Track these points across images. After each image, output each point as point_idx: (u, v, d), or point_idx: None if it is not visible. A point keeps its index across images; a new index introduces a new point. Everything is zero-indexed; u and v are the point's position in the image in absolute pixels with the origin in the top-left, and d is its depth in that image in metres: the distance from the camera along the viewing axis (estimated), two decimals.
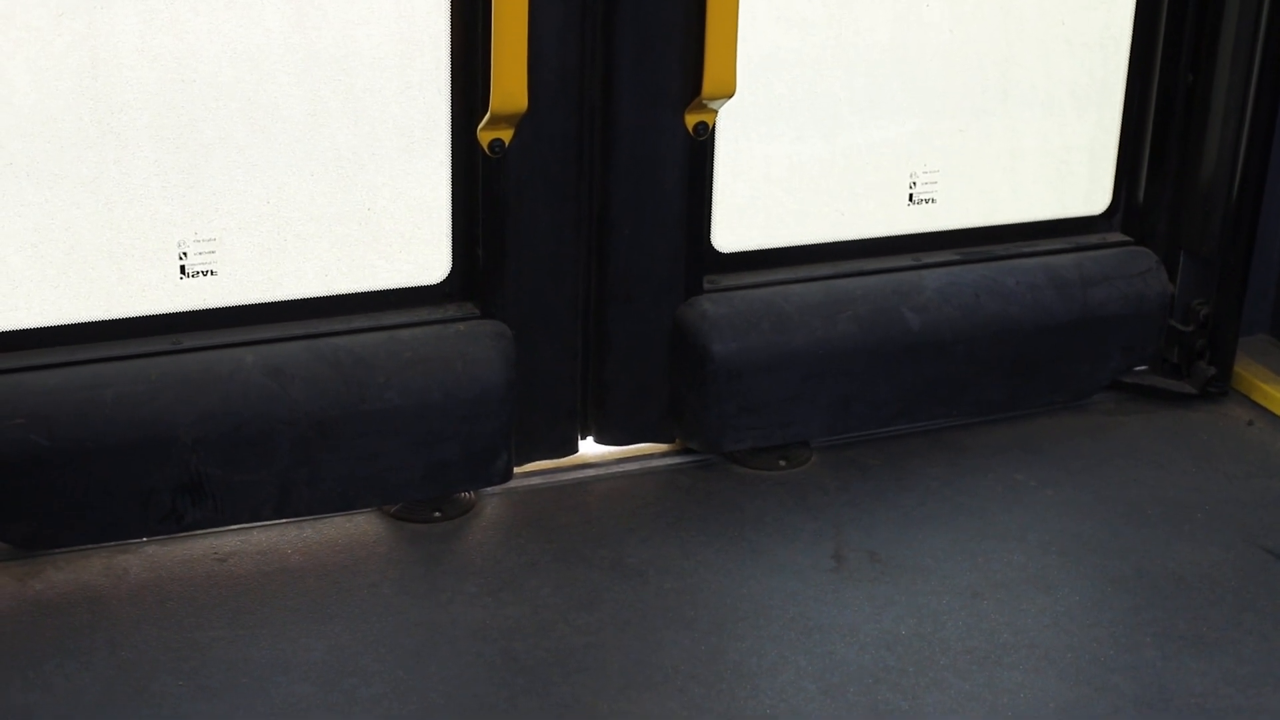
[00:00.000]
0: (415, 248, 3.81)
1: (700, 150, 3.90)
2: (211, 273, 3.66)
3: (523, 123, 3.68)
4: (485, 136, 3.68)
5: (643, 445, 4.16)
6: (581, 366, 4.00)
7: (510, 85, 3.59)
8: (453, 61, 3.68)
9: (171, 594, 3.52)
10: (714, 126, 3.89)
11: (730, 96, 3.81)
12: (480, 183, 3.75)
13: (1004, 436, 4.31)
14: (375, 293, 3.81)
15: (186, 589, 3.54)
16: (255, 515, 3.70)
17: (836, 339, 4.09)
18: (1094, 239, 4.49)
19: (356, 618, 3.47)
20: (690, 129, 3.85)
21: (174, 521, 3.62)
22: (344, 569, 3.64)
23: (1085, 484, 4.11)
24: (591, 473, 4.09)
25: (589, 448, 4.12)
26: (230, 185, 3.60)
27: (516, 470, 3.97)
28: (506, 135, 3.69)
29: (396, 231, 3.78)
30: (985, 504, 4.00)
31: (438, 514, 3.86)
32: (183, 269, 3.64)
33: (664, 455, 4.17)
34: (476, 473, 3.85)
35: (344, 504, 3.78)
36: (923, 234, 4.32)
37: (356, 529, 3.80)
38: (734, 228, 4.08)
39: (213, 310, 3.68)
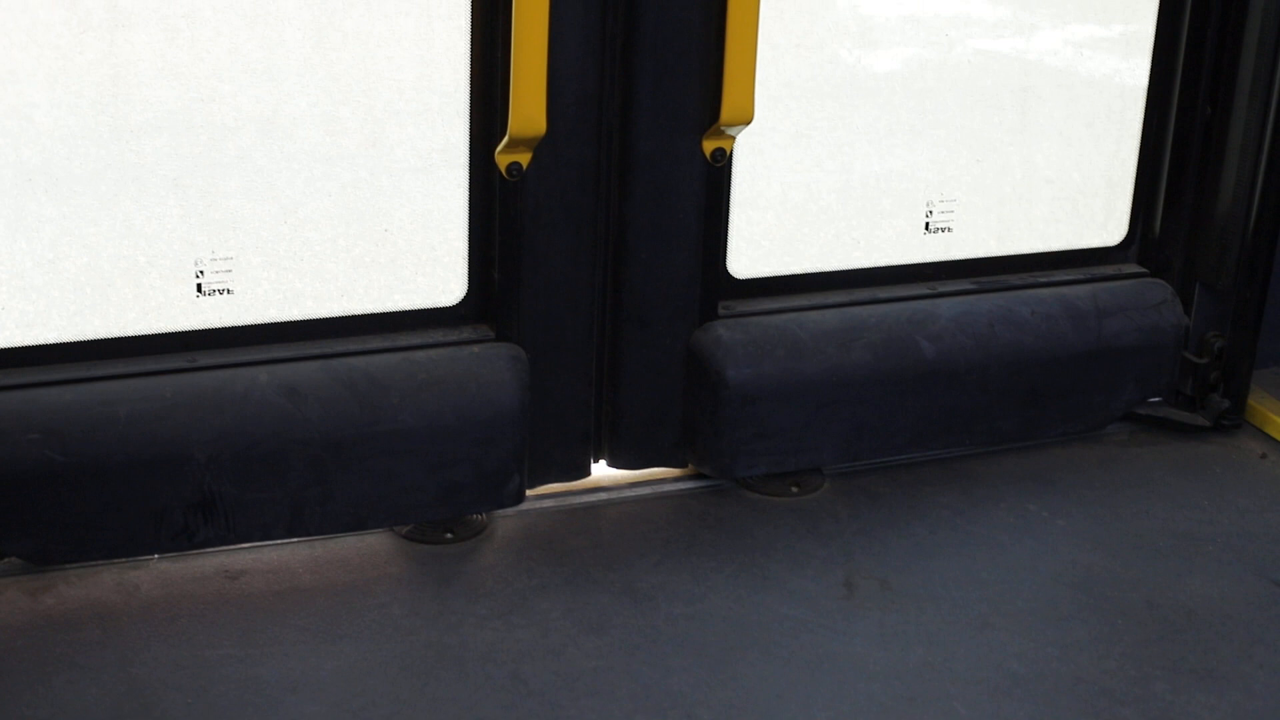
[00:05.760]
0: (431, 269, 3.82)
1: (717, 176, 3.90)
2: (228, 291, 3.67)
3: (541, 146, 3.69)
4: (503, 160, 3.69)
5: (655, 470, 4.16)
6: (595, 390, 4.01)
7: (529, 109, 3.60)
8: (472, 84, 3.69)
9: (182, 611, 3.53)
10: (731, 153, 3.89)
11: (748, 123, 3.82)
12: (497, 206, 3.76)
13: (1016, 466, 4.31)
14: (391, 314, 3.82)
15: (197, 606, 3.55)
16: (267, 534, 3.71)
17: (851, 366, 4.09)
18: (1109, 270, 4.49)
19: (366, 638, 3.47)
20: (708, 155, 3.86)
21: (186, 539, 3.63)
22: (355, 589, 3.64)
23: (1097, 515, 4.10)
24: (604, 496, 4.09)
25: (601, 471, 4.13)
26: (248, 205, 3.62)
27: (529, 493, 3.98)
28: (524, 159, 3.70)
29: (413, 253, 3.79)
30: (997, 534, 3.99)
31: (449, 535, 3.87)
32: (199, 287, 3.65)
33: (676, 480, 4.17)
34: (489, 495, 3.86)
35: (356, 524, 3.78)
36: (938, 263, 4.32)
37: (368, 549, 3.80)
38: (750, 254, 4.09)
39: (228, 329, 3.69)
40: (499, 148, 3.68)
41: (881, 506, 4.09)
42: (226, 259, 3.64)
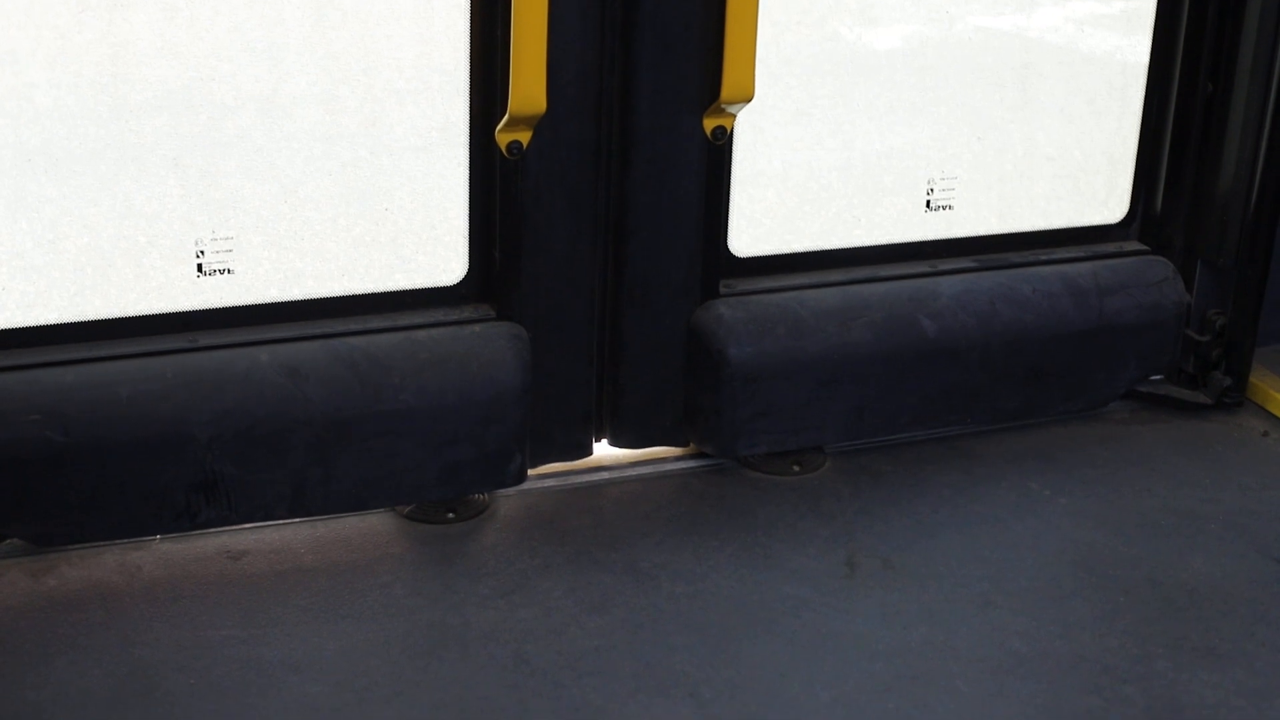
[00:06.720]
0: (432, 249, 3.82)
1: (718, 154, 3.89)
2: (228, 271, 3.66)
3: (541, 125, 3.68)
4: (503, 138, 3.68)
5: (657, 449, 4.16)
6: (597, 369, 4.00)
7: (529, 87, 3.59)
8: (471, 62, 3.68)
9: (184, 592, 3.53)
10: (732, 131, 3.89)
11: (749, 101, 3.81)
12: (498, 184, 3.75)
13: (1018, 445, 4.31)
14: (391, 293, 3.81)
15: (199, 587, 3.55)
16: (269, 514, 3.71)
17: (852, 345, 4.08)
18: (1111, 248, 4.48)
19: (368, 618, 3.47)
20: (708, 133, 3.85)
21: (188, 519, 3.63)
22: (357, 569, 3.64)
23: (1099, 493, 4.10)
24: (605, 476, 4.09)
25: (603, 451, 4.12)
26: (248, 184, 3.61)
27: (530, 472, 3.98)
28: (525, 137, 3.69)
29: (413, 232, 3.78)
30: (999, 512, 3.99)
31: (451, 515, 3.86)
32: (200, 267, 3.64)
33: (678, 459, 4.17)
34: (490, 474, 3.85)
35: (358, 504, 3.78)
36: (939, 241, 4.31)
37: (370, 529, 3.80)
38: (751, 232, 4.08)
39: (229, 309, 3.69)
40: (499, 126, 3.67)
41: (883, 485, 4.09)
42: (227, 239, 3.64)
